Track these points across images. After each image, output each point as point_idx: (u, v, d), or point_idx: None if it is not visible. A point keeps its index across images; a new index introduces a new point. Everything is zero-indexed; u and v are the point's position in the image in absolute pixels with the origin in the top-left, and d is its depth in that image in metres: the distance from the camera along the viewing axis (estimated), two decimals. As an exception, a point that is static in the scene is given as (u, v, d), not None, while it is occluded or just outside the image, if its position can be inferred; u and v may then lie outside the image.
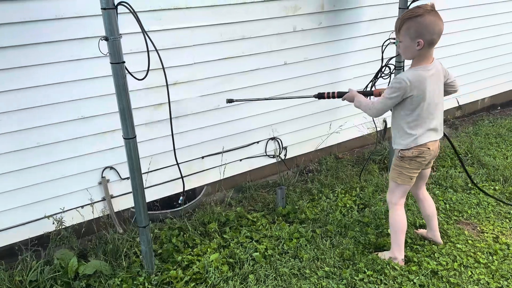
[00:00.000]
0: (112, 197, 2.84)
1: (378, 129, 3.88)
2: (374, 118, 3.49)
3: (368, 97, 2.59)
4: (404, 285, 2.28)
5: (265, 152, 3.49)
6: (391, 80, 2.28)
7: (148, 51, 1.92)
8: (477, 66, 4.57)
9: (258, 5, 2.96)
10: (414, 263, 2.46)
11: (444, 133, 2.49)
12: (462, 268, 2.43)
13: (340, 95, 2.64)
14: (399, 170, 2.39)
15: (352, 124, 3.82)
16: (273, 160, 3.57)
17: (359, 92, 2.54)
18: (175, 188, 3.08)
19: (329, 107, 3.66)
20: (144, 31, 1.90)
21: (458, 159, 2.82)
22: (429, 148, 2.31)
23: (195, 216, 2.96)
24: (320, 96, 2.75)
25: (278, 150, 3.55)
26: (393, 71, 3.28)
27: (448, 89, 2.38)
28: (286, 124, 3.49)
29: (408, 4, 3.10)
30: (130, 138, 2.03)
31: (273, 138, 3.49)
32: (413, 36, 2.15)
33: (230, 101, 2.85)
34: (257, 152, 3.46)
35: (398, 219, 2.44)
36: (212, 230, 2.76)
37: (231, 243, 2.64)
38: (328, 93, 2.71)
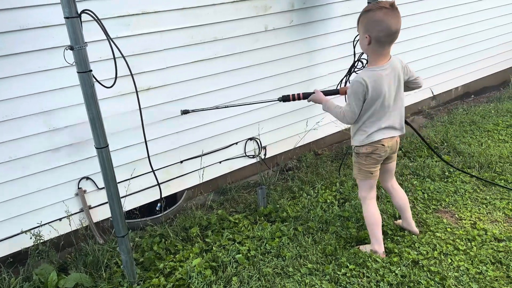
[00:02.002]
0: (90, 207, 2.80)
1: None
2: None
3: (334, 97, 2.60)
4: (386, 277, 2.30)
5: (245, 152, 3.49)
6: (350, 85, 2.28)
7: (114, 58, 1.90)
8: (449, 55, 4.65)
9: (228, 6, 2.95)
10: (395, 254, 2.49)
11: (411, 125, 2.52)
12: (442, 256, 2.47)
13: (306, 96, 2.63)
14: (358, 167, 2.44)
15: (329, 120, 3.84)
16: (253, 160, 3.56)
17: (323, 91, 2.54)
18: (155, 194, 3.05)
19: (306, 105, 3.66)
20: (109, 38, 1.87)
21: (427, 146, 2.87)
22: (383, 145, 2.34)
23: (176, 221, 2.93)
24: (285, 98, 2.71)
25: (258, 150, 3.55)
26: (366, 65, 3.31)
27: (412, 85, 2.40)
28: (264, 124, 3.49)
29: (377, -2, 3.14)
30: (102, 148, 2.00)
31: (252, 138, 3.49)
32: (363, 30, 2.17)
33: (185, 112, 2.75)
34: (237, 153, 3.45)
35: (370, 213, 2.47)
36: (194, 234, 2.74)
37: (213, 247, 2.63)
38: (293, 95, 2.68)
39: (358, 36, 2.28)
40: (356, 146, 2.41)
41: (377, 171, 2.45)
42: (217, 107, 2.90)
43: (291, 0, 3.24)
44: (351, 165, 3.57)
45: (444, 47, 4.56)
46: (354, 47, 3.27)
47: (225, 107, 3.01)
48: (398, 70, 2.26)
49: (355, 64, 3.31)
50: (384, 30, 2.11)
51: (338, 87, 3.34)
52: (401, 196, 2.61)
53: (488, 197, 3.04)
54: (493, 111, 4.62)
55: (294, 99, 2.68)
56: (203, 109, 2.82)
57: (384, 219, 2.79)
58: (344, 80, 3.38)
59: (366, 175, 2.43)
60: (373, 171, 2.43)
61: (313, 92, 2.58)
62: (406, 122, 2.47)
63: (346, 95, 2.34)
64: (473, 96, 5.32)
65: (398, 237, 2.64)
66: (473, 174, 3.34)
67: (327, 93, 2.59)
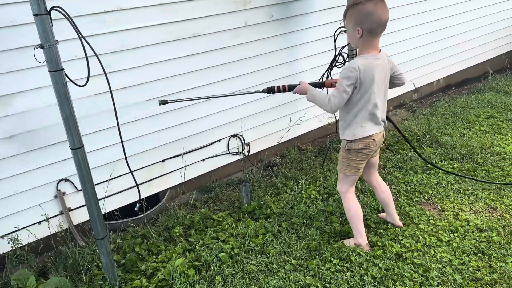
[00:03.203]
0: (70, 210, 2.74)
1: (338, 118, 3.91)
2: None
3: (321, 89, 2.57)
4: (370, 270, 2.30)
5: (228, 149, 3.45)
6: (341, 71, 2.24)
7: (86, 56, 1.84)
8: (430, 48, 4.67)
9: (206, 1, 2.91)
10: (379, 247, 2.49)
11: (389, 119, 2.52)
12: (425, 248, 2.48)
13: (291, 88, 2.56)
14: (347, 162, 2.41)
15: (312, 115, 3.83)
16: (237, 157, 3.53)
17: (310, 84, 2.51)
18: (137, 195, 2.99)
19: (288, 100, 3.65)
20: (80, 35, 1.82)
21: (405, 140, 2.88)
22: (374, 140, 2.33)
23: (159, 221, 2.89)
24: (270, 90, 2.64)
25: (241, 146, 3.52)
26: (347, 59, 3.30)
27: (396, 81, 2.40)
28: (247, 120, 3.46)
29: (356, -9, 3.12)
30: (77, 148, 1.95)
31: (235, 135, 3.46)
32: (354, 23, 2.16)
33: (163, 102, 2.57)
34: (220, 150, 3.41)
35: (352, 207, 2.47)
36: (177, 234, 2.70)
37: (196, 246, 2.59)
38: (278, 86, 2.61)
39: (346, 29, 2.26)
40: (348, 142, 2.36)
41: (363, 166, 2.45)
42: (198, 98, 2.80)
43: (271, -5, 3.21)
44: (335, 160, 3.59)
45: (425, 40, 4.58)
46: (335, 41, 3.26)
47: (207, 98, 2.95)
48: (386, 63, 2.26)
49: (337, 59, 3.29)
50: (376, 21, 2.12)
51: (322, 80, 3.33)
52: (384, 190, 2.61)
53: (470, 188, 3.06)
54: (474, 103, 4.66)
55: (279, 91, 2.61)
56: (182, 100, 2.70)
57: (367, 213, 2.79)
58: (325, 75, 3.37)
59: (354, 171, 2.41)
60: (360, 167, 2.42)
61: (298, 84, 2.51)
62: (387, 118, 2.47)
63: (336, 84, 2.28)
64: (454, 88, 5.36)
65: (382, 230, 2.64)
66: (455, 165, 3.36)
67: (313, 85, 2.55)
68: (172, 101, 2.63)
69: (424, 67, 4.71)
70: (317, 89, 2.47)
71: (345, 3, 3.29)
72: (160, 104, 2.54)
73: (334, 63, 3.33)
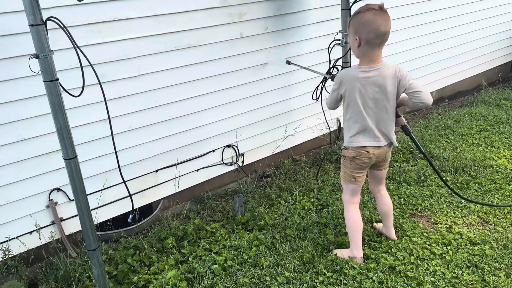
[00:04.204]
0: (62, 220, 2.71)
1: (332, 129, 3.94)
2: (326, 118, 3.55)
3: None
4: (364, 284, 2.29)
5: (222, 160, 3.45)
6: None
7: (81, 66, 1.84)
8: (423, 61, 4.72)
9: (202, 12, 2.92)
10: (372, 260, 2.49)
11: (408, 131, 2.44)
12: (419, 261, 2.48)
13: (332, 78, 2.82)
14: (343, 169, 2.45)
15: (306, 126, 3.85)
16: (231, 168, 3.53)
17: None
18: (130, 205, 2.97)
19: (283, 111, 3.67)
20: (75, 45, 1.81)
21: (423, 154, 2.84)
22: (367, 152, 2.32)
23: (151, 232, 2.87)
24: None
25: (235, 157, 3.52)
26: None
27: (413, 99, 2.23)
28: (242, 131, 3.46)
29: (350, 5, 3.16)
30: (70, 158, 1.94)
31: (229, 146, 3.45)
32: (353, 32, 2.19)
33: (288, 62, 3.21)
34: (214, 161, 3.41)
35: (351, 218, 2.46)
36: (170, 245, 2.68)
37: (189, 258, 2.57)
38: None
39: (349, 40, 2.30)
40: (344, 148, 2.40)
41: (362, 177, 2.42)
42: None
43: (266, 7, 3.23)
44: (329, 171, 3.60)
45: (418, 53, 4.63)
46: (329, 54, 3.28)
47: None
48: (386, 77, 2.20)
49: (331, 71, 3.32)
50: (373, 31, 2.12)
51: (314, 94, 3.35)
52: (385, 203, 2.60)
53: (463, 201, 3.07)
54: (467, 115, 4.71)
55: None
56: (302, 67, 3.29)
57: (361, 225, 2.78)
58: (320, 86, 3.39)
59: (350, 179, 2.42)
60: (356, 176, 2.40)
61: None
62: (407, 134, 2.44)
63: None
64: (447, 100, 5.41)
65: (375, 243, 2.64)
66: (448, 178, 3.38)
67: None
68: (294, 64, 3.28)
69: (417, 80, 4.75)
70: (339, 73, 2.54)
71: (340, 16, 3.32)
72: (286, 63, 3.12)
73: (328, 75, 3.35)
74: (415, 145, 2.47)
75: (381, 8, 2.13)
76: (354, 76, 2.23)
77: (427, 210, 3.01)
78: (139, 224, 2.92)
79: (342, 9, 3.20)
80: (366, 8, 2.14)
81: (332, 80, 2.78)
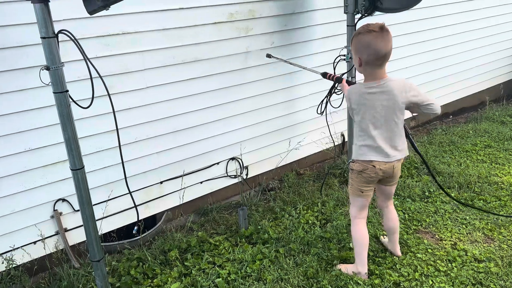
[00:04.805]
0: (66, 230, 2.72)
1: (337, 143, 3.94)
2: (331, 132, 3.57)
3: None
4: (368, 300, 2.28)
5: (226, 172, 3.46)
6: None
7: (91, 78, 1.87)
8: (427, 77, 4.74)
9: (210, 27, 2.97)
10: (377, 276, 2.47)
11: (407, 131, 2.44)
12: (423, 278, 2.46)
13: (338, 80, 2.85)
14: (351, 182, 2.45)
15: (310, 140, 3.86)
16: (235, 181, 3.53)
17: (349, 83, 2.65)
18: (134, 216, 2.98)
19: (287, 125, 3.69)
20: (86, 58, 1.84)
21: (428, 171, 2.86)
22: (374, 166, 2.32)
23: (155, 244, 2.87)
24: (324, 75, 3.02)
25: (239, 170, 3.53)
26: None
27: (424, 110, 2.28)
28: (246, 143, 3.48)
29: (356, 21, 3.20)
30: (77, 169, 1.95)
31: (233, 158, 3.47)
32: (355, 52, 2.21)
33: (268, 56, 3.22)
34: (218, 173, 3.42)
35: (357, 233, 2.45)
36: (173, 258, 2.68)
37: (192, 270, 2.56)
38: (331, 74, 2.99)
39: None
40: (351, 161, 2.41)
41: (369, 191, 2.42)
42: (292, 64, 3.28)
43: (272, 22, 3.27)
44: (333, 185, 3.60)
45: (422, 69, 4.65)
46: (334, 68, 3.31)
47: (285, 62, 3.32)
48: (393, 92, 2.21)
49: (336, 85, 3.33)
50: (373, 53, 2.13)
51: (319, 108, 3.37)
52: (390, 219, 2.58)
53: (467, 218, 3.06)
54: (471, 132, 4.71)
55: (329, 78, 2.97)
56: (281, 60, 3.26)
57: (366, 240, 2.77)
58: (324, 101, 3.40)
59: (357, 192, 2.42)
60: (363, 190, 2.40)
61: (342, 78, 2.75)
62: (416, 151, 2.50)
63: None
64: (451, 116, 5.42)
65: (380, 259, 2.63)
66: (452, 194, 3.37)
67: (351, 83, 2.70)
68: (274, 57, 3.25)
69: (422, 95, 4.77)
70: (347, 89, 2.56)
71: (345, 31, 3.36)
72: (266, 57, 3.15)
73: (333, 90, 3.37)
74: (411, 145, 2.46)
75: (381, 29, 2.12)
76: (360, 92, 2.26)
77: (431, 226, 2.99)
78: (142, 235, 2.92)
79: (347, 25, 3.24)
80: (367, 30, 2.13)
81: (339, 82, 2.82)
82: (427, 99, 2.26)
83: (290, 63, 3.30)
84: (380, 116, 2.25)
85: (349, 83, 2.66)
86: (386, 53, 2.15)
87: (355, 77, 3.36)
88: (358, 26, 3.23)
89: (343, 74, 3.34)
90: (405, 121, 2.35)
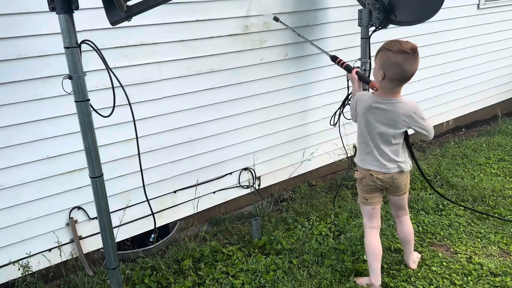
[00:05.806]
0: (80, 238, 2.74)
1: (349, 154, 3.94)
2: (344, 143, 3.58)
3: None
4: (383, 313, 2.26)
5: (239, 183, 3.47)
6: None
7: (113, 87, 1.90)
8: (439, 90, 4.74)
9: (225, 38, 3.01)
10: (391, 288, 2.45)
11: (417, 164, 2.47)
12: (439, 291, 2.44)
13: (348, 69, 2.85)
14: (358, 190, 2.49)
15: (323, 151, 3.86)
16: (248, 191, 3.54)
17: (359, 76, 2.70)
18: (148, 225, 3.00)
19: (300, 136, 3.70)
20: (108, 68, 1.88)
21: (426, 181, 2.88)
22: (371, 175, 2.34)
23: (168, 253, 2.88)
24: (334, 58, 3.03)
25: (252, 180, 3.54)
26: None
27: (419, 136, 2.35)
28: (259, 154, 3.49)
29: (370, 34, 3.22)
30: (97, 177, 1.98)
31: (246, 169, 3.48)
32: (380, 66, 2.20)
33: (276, 19, 3.10)
34: (231, 183, 3.43)
35: (369, 244, 2.46)
36: (187, 267, 2.68)
37: (206, 280, 2.57)
38: (341, 60, 2.97)
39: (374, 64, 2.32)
40: (355, 169, 2.47)
41: (373, 199, 2.42)
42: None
43: (286, 34, 3.31)
44: (346, 197, 3.59)
45: (434, 82, 4.65)
46: (347, 81, 3.32)
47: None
48: (399, 114, 2.22)
49: (349, 97, 3.35)
50: (399, 73, 2.13)
51: (332, 119, 3.37)
52: (403, 230, 2.57)
53: (482, 231, 3.03)
54: (484, 145, 4.68)
55: (338, 64, 2.97)
56: (288, 27, 3.16)
57: (380, 253, 2.75)
58: (338, 113, 3.41)
59: (362, 200, 2.46)
60: (367, 198, 2.41)
61: (353, 69, 2.76)
62: (417, 164, 2.55)
63: (375, 89, 2.40)
64: (464, 129, 5.39)
65: (394, 271, 2.61)
66: (467, 211, 3.34)
67: (359, 77, 2.72)
68: (282, 22, 3.14)
69: (434, 108, 4.76)
70: (359, 92, 2.58)
71: (359, 44, 3.38)
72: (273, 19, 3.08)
73: (346, 101, 3.38)
74: (407, 147, 2.44)
75: (413, 51, 2.10)
76: (368, 102, 2.28)
77: (446, 239, 2.97)
78: (156, 244, 2.93)
79: (361, 38, 3.27)
80: (399, 50, 2.09)
81: (349, 71, 2.84)
82: (426, 129, 2.29)
83: (298, 34, 3.18)
84: (376, 133, 2.29)
85: (360, 77, 2.71)
86: (412, 74, 2.16)
87: (368, 89, 3.37)
88: (372, 38, 3.25)
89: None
90: (410, 136, 2.37)
